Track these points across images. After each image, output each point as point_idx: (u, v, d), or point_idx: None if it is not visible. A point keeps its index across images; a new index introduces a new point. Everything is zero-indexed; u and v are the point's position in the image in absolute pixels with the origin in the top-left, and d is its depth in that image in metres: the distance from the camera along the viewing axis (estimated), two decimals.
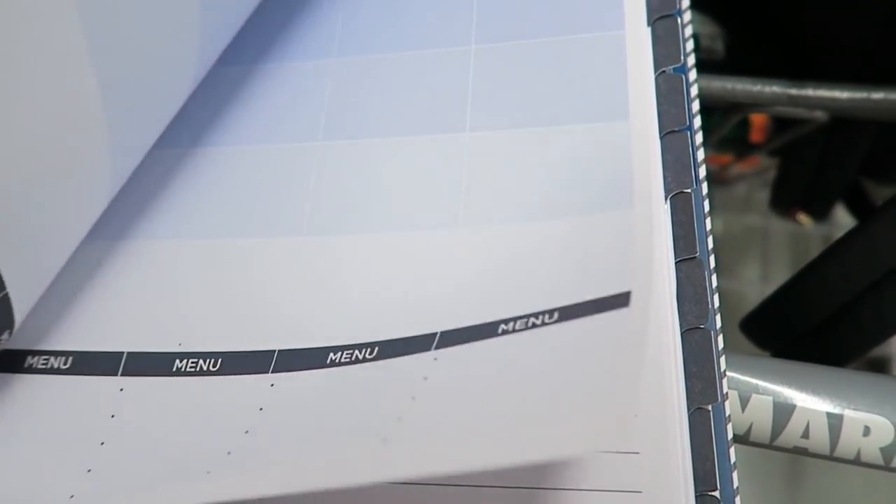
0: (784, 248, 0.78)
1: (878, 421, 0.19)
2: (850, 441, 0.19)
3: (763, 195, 0.71)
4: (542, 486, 0.17)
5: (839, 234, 0.31)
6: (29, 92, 0.16)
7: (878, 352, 0.67)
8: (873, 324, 0.30)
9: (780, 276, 0.75)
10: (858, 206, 0.48)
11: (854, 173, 0.44)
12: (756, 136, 0.49)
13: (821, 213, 0.47)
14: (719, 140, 0.45)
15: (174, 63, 0.19)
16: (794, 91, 0.31)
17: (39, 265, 0.18)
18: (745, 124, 0.48)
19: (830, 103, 0.31)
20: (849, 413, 0.19)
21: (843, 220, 0.61)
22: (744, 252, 0.78)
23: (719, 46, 0.39)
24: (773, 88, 0.31)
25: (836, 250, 0.30)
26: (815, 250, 0.77)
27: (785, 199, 0.48)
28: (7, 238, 0.16)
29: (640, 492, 0.17)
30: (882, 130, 0.40)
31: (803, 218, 0.48)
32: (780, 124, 0.44)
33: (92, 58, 0.16)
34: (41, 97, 0.16)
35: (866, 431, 0.19)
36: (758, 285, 0.76)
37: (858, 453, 0.19)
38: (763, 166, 0.63)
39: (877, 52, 0.35)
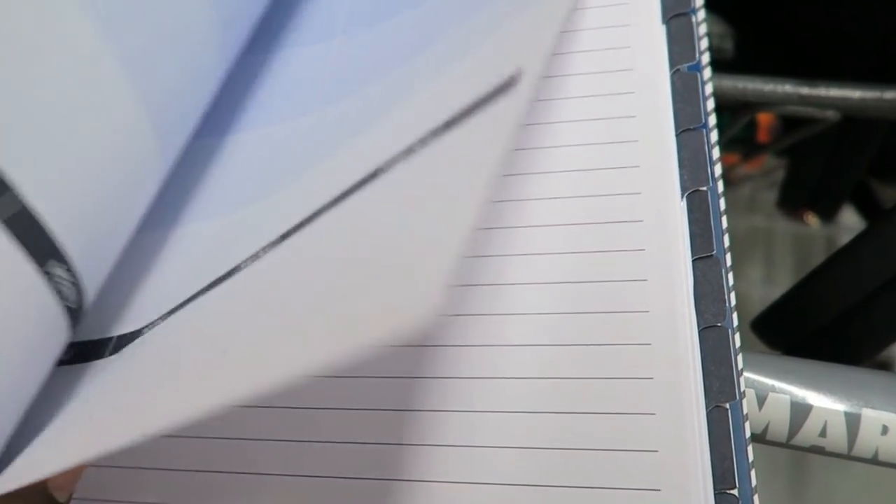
0: (788, 249, 0.78)
1: None
2: (867, 440, 0.19)
3: (768, 196, 0.71)
4: (562, 485, 0.17)
5: (843, 235, 0.31)
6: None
7: (881, 354, 0.67)
8: (884, 324, 0.30)
9: (783, 276, 0.75)
10: (866, 206, 0.48)
11: (862, 173, 0.43)
12: (763, 136, 0.49)
13: (829, 213, 0.47)
14: (727, 140, 0.45)
15: (199, 52, 0.19)
16: (805, 90, 0.31)
17: (104, 252, 0.18)
18: (752, 124, 0.48)
19: (842, 103, 0.31)
20: (866, 412, 0.19)
21: (846, 221, 0.61)
22: (748, 253, 0.78)
23: (728, 45, 0.39)
24: (784, 87, 0.31)
25: (848, 250, 0.30)
26: (818, 251, 0.78)
27: (793, 200, 0.48)
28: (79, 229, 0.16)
29: (658, 490, 0.17)
30: (890, 130, 0.40)
31: (811, 218, 0.48)
32: (789, 124, 0.44)
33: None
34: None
35: (884, 430, 0.19)
36: (761, 285, 0.76)
37: (876, 452, 0.19)
38: (768, 167, 0.63)
39: (884, 48, 0.35)
